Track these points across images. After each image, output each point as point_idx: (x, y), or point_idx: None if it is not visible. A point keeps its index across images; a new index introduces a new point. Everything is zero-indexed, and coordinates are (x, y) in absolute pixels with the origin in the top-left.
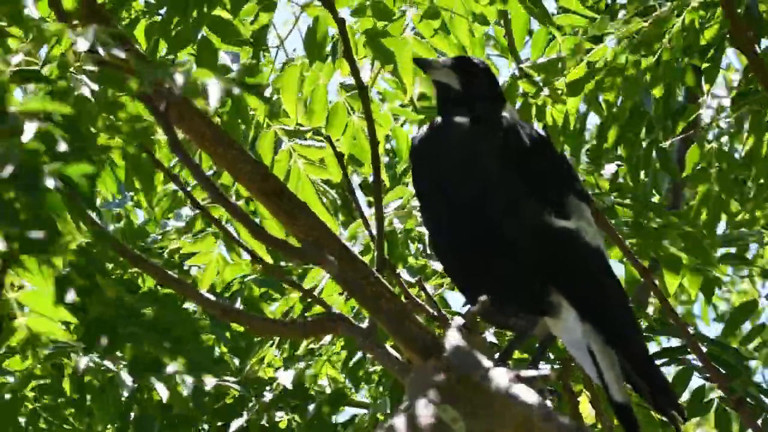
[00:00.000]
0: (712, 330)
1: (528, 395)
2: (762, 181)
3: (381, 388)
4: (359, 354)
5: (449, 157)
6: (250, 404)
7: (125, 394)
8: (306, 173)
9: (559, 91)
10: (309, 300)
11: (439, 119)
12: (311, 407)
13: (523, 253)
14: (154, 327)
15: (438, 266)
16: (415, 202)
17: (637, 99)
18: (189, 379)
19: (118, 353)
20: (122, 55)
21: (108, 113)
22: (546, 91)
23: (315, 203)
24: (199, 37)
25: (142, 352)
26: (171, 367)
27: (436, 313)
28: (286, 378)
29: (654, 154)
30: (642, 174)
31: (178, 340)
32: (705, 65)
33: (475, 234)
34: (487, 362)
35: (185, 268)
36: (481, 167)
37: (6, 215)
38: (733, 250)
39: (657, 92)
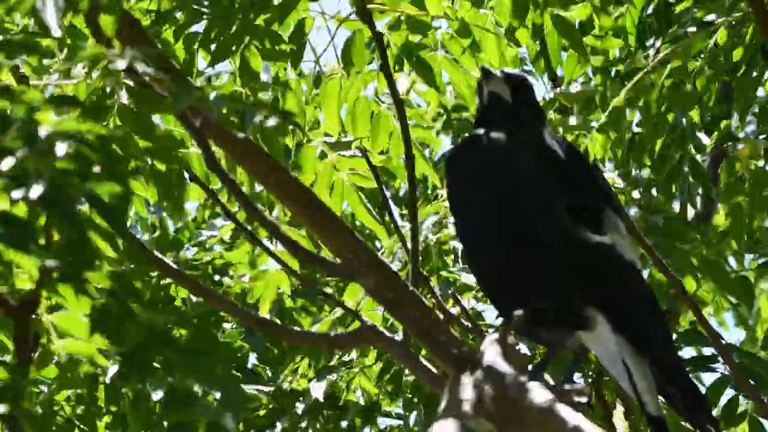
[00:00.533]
0: (733, 337)
1: (563, 410)
2: None
3: (415, 399)
4: (395, 367)
5: (488, 169)
6: (283, 416)
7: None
8: (351, 183)
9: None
10: (344, 312)
11: (479, 132)
12: (344, 422)
13: (558, 267)
14: (187, 351)
15: (471, 280)
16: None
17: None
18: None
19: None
20: (159, 74)
21: (143, 135)
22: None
23: (363, 213)
24: (241, 48)
25: (176, 383)
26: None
27: (470, 326)
28: (318, 389)
29: (687, 167)
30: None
31: (211, 369)
32: (736, 81)
33: (510, 247)
34: (521, 376)
35: (217, 279)
36: (520, 180)
37: (36, 240)
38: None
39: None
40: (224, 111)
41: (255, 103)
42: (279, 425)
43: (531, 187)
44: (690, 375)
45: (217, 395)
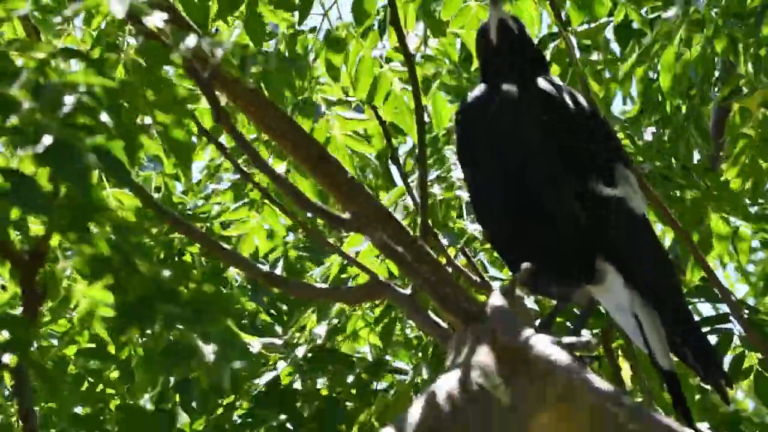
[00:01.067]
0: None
1: (570, 363)
2: None
3: (420, 354)
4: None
5: (498, 123)
6: (283, 362)
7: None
8: (344, 143)
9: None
10: (347, 264)
11: (485, 85)
12: (351, 377)
13: (569, 220)
14: (192, 305)
15: (478, 230)
16: (457, 173)
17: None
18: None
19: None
20: (161, 23)
21: (152, 89)
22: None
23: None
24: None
25: (176, 338)
26: (207, 351)
27: (478, 280)
28: (320, 330)
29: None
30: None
31: (216, 323)
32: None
33: (520, 200)
34: (529, 329)
35: (225, 234)
36: (529, 134)
37: (42, 195)
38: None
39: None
40: (227, 57)
41: (257, 52)
42: (277, 370)
43: (543, 141)
44: (701, 330)
45: (211, 350)
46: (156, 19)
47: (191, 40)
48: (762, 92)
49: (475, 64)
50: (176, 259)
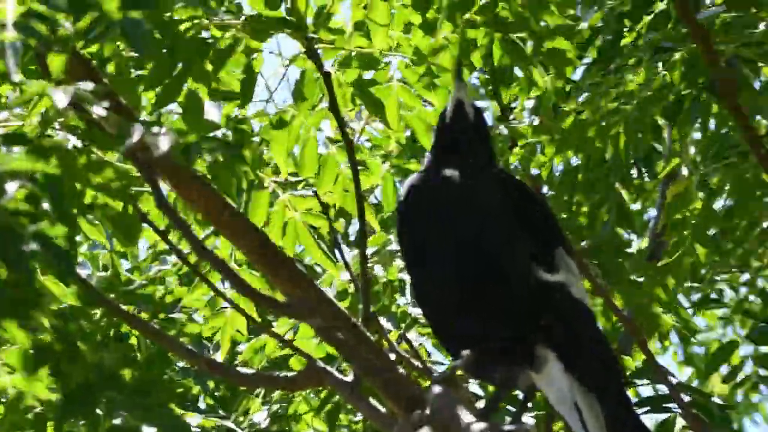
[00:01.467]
0: (684, 376)
1: None
2: (738, 233)
3: None
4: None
5: (444, 206)
6: None
7: None
8: (303, 221)
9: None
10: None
11: (433, 168)
12: None
13: (510, 306)
14: (134, 390)
15: (421, 314)
16: (394, 246)
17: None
18: None
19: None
20: (103, 112)
21: (93, 172)
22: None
23: (316, 252)
24: (184, 89)
25: (121, 423)
26: None
27: (420, 365)
28: (260, 416)
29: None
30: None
31: (158, 406)
32: (680, 118)
33: (462, 284)
34: (469, 416)
35: (171, 315)
36: (475, 221)
37: None
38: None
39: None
40: (172, 147)
41: (202, 138)
42: None
43: (487, 227)
44: (641, 417)
45: None
46: (99, 109)
47: (136, 133)
48: (680, 182)
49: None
50: (121, 341)
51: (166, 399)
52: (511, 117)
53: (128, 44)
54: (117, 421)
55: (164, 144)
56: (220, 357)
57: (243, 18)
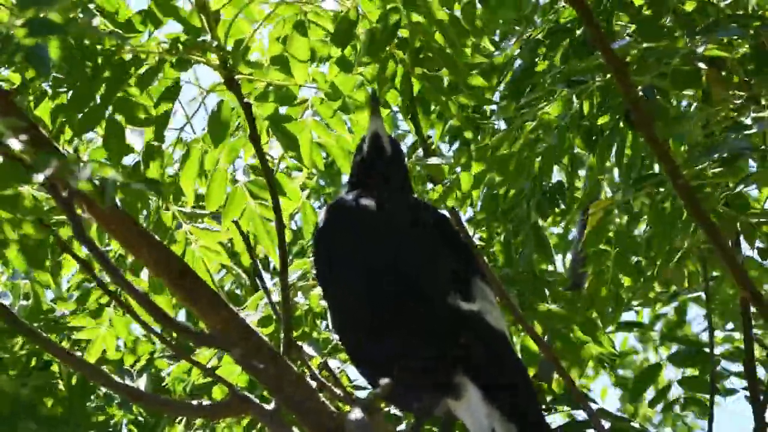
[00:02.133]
0: (612, 399)
1: None
2: (659, 262)
3: None
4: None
5: (358, 238)
6: None
7: None
8: (201, 256)
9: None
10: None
11: (350, 197)
12: None
13: (430, 336)
14: (53, 421)
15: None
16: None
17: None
18: None
19: None
20: (18, 146)
21: (8, 207)
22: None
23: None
24: (105, 117)
25: None
26: None
27: (341, 393)
28: None
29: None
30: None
31: None
32: (599, 146)
33: (382, 315)
34: None
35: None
36: (392, 248)
37: None
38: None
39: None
40: (87, 181)
41: (117, 171)
42: None
43: (404, 249)
44: None
45: None
46: (15, 143)
47: (52, 166)
48: (603, 203)
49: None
50: (43, 369)
51: (86, 428)
52: (430, 148)
53: (32, 65)
54: None
55: (81, 175)
56: (142, 385)
57: (166, 43)
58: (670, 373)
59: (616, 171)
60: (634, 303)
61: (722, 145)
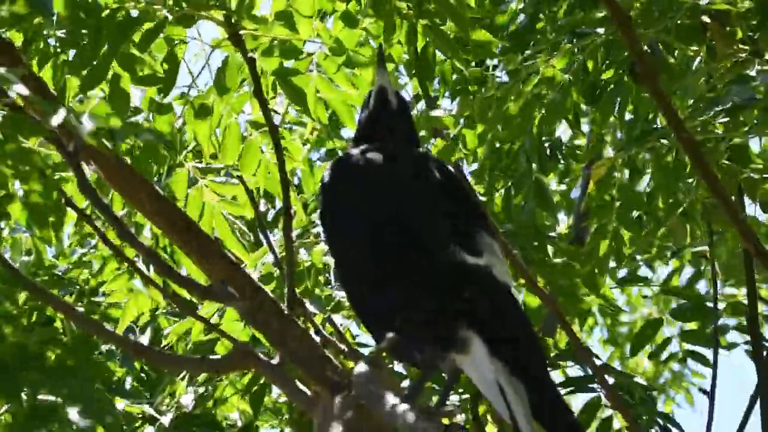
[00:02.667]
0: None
1: (434, 430)
2: (661, 215)
3: (289, 420)
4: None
5: (364, 192)
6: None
7: None
8: (220, 209)
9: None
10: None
11: (355, 151)
12: None
13: (433, 289)
14: (57, 371)
15: (344, 297)
16: (318, 229)
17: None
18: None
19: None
20: (25, 91)
21: (15, 161)
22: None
23: (230, 239)
24: (109, 75)
25: (40, 401)
26: (72, 415)
27: (345, 348)
28: (186, 399)
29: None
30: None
31: (83, 386)
32: (602, 102)
33: (385, 267)
34: (393, 398)
35: (95, 299)
36: (396, 201)
37: None
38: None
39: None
40: (94, 131)
41: (126, 124)
42: None
43: (405, 207)
44: (564, 398)
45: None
46: (20, 88)
47: (60, 115)
48: (608, 159)
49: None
50: (46, 325)
51: (92, 377)
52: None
53: (33, 7)
54: (41, 397)
55: (88, 126)
56: (145, 340)
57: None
58: (668, 333)
59: (618, 131)
60: (637, 258)
61: (726, 96)
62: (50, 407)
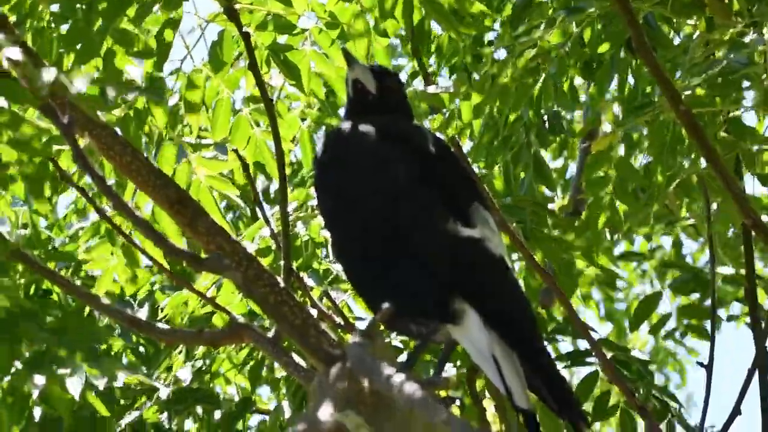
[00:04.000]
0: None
1: (430, 402)
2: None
3: (285, 393)
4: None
5: (357, 165)
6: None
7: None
8: (207, 185)
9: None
10: (205, 302)
11: (347, 125)
12: (218, 413)
13: (428, 261)
14: (57, 331)
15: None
16: (314, 202)
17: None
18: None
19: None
20: (18, 55)
21: (9, 128)
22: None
23: (216, 214)
24: (103, 49)
25: (41, 349)
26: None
27: (341, 321)
28: (184, 373)
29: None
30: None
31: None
32: (598, 75)
33: (379, 241)
34: (389, 369)
35: (91, 273)
36: (389, 175)
37: None
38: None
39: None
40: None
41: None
42: (140, 411)
43: (401, 180)
44: (560, 370)
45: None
46: (13, 52)
47: (51, 73)
48: (609, 136)
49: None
50: (42, 298)
51: (88, 340)
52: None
53: None
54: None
55: (80, 85)
56: (143, 315)
57: None
58: (666, 307)
59: (616, 106)
60: (633, 231)
61: (720, 61)
62: (52, 356)
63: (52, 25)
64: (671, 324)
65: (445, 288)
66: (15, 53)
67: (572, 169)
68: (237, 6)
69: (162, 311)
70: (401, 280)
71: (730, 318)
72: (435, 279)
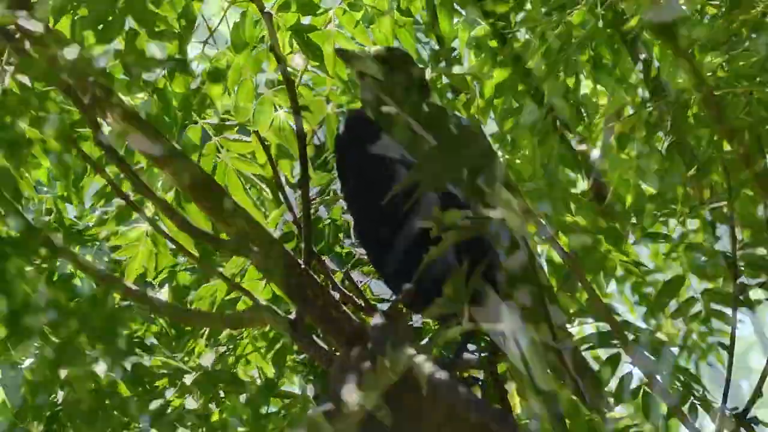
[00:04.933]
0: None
1: (451, 383)
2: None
3: (308, 376)
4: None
5: (377, 143)
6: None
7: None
8: (234, 167)
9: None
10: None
11: (361, 110)
12: (243, 396)
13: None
14: (79, 319)
15: (363, 254)
16: (337, 186)
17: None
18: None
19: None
20: (39, 28)
21: (34, 107)
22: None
23: (242, 196)
24: (126, 29)
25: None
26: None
27: (362, 303)
28: (207, 359)
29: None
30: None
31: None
32: (621, 58)
33: (401, 222)
34: (410, 350)
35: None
36: (407, 158)
37: None
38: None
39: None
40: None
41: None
42: (166, 396)
43: (420, 161)
44: (581, 351)
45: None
46: (34, 24)
47: (73, 50)
48: (626, 121)
49: None
50: (65, 282)
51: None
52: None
53: None
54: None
55: (102, 62)
56: (164, 297)
57: None
58: (690, 292)
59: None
60: (658, 214)
61: (743, 41)
62: (77, 346)
63: (74, 3)
64: (696, 308)
65: (466, 269)
66: (39, 26)
67: (595, 154)
68: None
69: (191, 304)
70: (419, 260)
71: (755, 303)
72: (456, 259)
